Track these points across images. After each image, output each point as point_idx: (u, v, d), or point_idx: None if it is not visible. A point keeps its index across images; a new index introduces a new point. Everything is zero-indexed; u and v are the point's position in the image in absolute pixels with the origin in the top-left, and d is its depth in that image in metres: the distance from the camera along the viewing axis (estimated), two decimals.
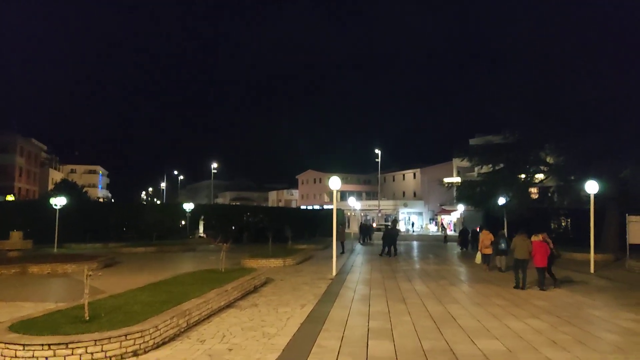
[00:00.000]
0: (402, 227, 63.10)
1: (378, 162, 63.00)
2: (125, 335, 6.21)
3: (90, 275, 7.31)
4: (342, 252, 24.35)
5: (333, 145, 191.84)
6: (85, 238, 26.63)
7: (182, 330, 7.59)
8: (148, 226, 29.11)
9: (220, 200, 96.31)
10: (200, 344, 6.99)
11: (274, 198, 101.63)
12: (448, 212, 58.66)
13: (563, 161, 25.44)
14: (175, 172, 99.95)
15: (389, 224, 33.26)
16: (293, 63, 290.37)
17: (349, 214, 64.41)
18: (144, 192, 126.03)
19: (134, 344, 6.29)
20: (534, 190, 28.18)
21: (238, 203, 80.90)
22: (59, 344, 5.77)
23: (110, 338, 6.06)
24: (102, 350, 5.97)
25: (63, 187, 42.52)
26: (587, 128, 21.84)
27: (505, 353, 6.64)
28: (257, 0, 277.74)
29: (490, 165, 27.68)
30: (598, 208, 18.35)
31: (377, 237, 31.89)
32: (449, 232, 47.02)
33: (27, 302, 10.05)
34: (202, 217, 35.75)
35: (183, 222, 34.24)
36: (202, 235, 34.34)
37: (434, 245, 33.42)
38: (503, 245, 16.68)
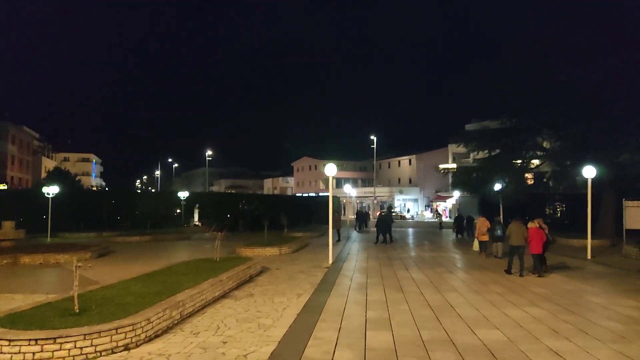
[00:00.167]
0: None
1: (374, 148, 62.85)
2: (116, 329, 6.00)
3: (80, 266, 7.10)
4: (338, 239, 24.24)
5: (329, 132, 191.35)
6: (79, 227, 26.38)
7: (176, 322, 7.41)
8: (143, 215, 28.78)
9: (215, 188, 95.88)
10: (194, 336, 6.82)
11: (270, 186, 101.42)
12: (443, 199, 58.60)
13: (560, 146, 25.32)
14: (170, 160, 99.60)
15: (384, 210, 33.21)
16: (289, 50, 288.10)
17: (344, 201, 64.39)
18: (138, 181, 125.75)
19: (126, 338, 6.09)
20: (529, 175, 28.10)
21: (233, 191, 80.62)
22: (46, 338, 5.56)
23: (100, 332, 5.85)
24: (92, 345, 5.75)
25: (56, 176, 42.14)
26: (586, 113, 21.67)
27: (506, 343, 6.50)
28: None
29: (487, 151, 27.51)
30: (594, 193, 18.24)
31: (374, 225, 31.81)
32: (444, 219, 47.16)
33: (17, 294, 9.84)
34: (197, 205, 35.49)
35: (178, 211, 34.00)
36: (197, 223, 34.12)
37: (429, 232, 33.45)
38: (499, 232, 16.61)
